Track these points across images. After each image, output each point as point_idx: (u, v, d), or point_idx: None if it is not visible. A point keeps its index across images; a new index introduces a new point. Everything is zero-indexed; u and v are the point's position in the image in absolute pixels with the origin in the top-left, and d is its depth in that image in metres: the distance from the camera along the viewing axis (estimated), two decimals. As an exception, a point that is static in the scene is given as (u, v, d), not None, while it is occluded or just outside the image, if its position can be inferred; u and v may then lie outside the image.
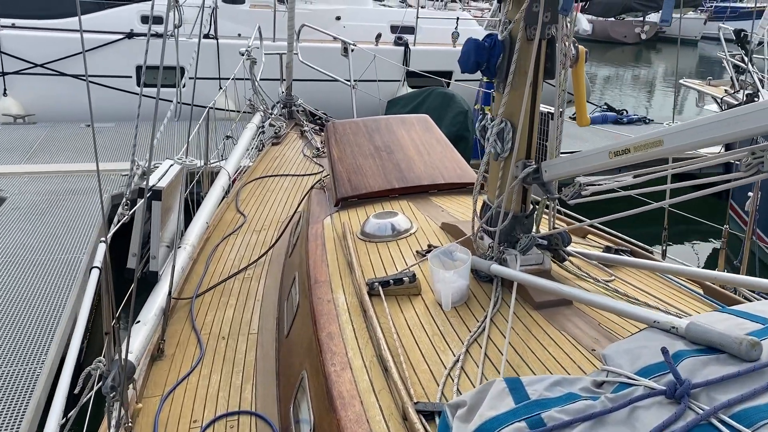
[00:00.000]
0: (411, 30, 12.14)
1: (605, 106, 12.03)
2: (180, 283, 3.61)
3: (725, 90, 8.22)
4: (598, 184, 2.25)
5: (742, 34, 7.50)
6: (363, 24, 12.12)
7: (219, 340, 3.35)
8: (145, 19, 11.11)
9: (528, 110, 2.51)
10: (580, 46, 2.59)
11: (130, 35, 10.99)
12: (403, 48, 11.77)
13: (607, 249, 2.93)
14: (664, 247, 4.00)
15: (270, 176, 5.70)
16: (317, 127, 7.08)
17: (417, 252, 3.01)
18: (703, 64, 33.25)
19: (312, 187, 4.27)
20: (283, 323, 3.28)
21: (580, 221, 3.05)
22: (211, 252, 4.29)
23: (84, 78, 10.75)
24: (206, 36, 11.19)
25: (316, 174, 5.72)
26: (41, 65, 10.68)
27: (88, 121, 10.49)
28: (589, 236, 3.30)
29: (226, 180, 4.71)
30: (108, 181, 7.72)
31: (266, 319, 3.49)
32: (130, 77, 11.06)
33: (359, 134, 4.17)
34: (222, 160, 6.02)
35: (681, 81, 10.15)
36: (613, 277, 2.71)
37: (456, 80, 12.19)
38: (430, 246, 3.04)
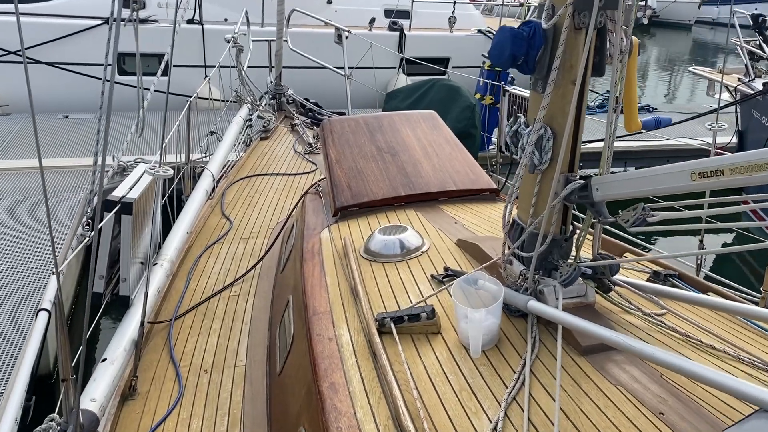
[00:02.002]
0: (406, 14, 11.62)
1: (607, 94, 11.58)
2: (156, 305, 3.15)
3: (738, 78, 7.81)
4: (670, 209, 1.82)
5: (760, 19, 7.09)
6: (355, 8, 11.58)
7: (201, 373, 2.90)
8: (126, 3, 10.52)
9: (574, 114, 2.07)
10: (633, 36, 2.15)
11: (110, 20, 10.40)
12: (398, 33, 11.26)
13: (656, 275, 2.50)
14: (699, 261, 3.60)
15: (258, 175, 5.22)
16: (309, 120, 6.60)
17: (432, 276, 2.57)
18: (698, 48, 32.90)
19: (306, 192, 3.81)
20: (275, 356, 2.84)
21: (632, 246, 2.62)
22: (193, 264, 3.83)
23: (61, 66, 10.20)
24: (191, 21, 10.63)
25: (308, 173, 5.25)
26: (14, 52, 10.08)
27: (66, 112, 9.94)
28: (626, 254, 2.87)
29: (210, 182, 4.24)
30: (86, 178, 7.21)
31: (255, 349, 3.04)
32: (111, 65, 10.47)
33: (359, 133, 3.71)
34: (205, 155, 5.53)
35: (690, 69, 9.73)
36: (664, 310, 2.29)
37: (453, 67, 11.72)
38: (446, 270, 2.60)
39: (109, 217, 2.55)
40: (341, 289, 2.59)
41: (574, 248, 2.29)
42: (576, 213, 2.32)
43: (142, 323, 2.67)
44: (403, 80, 11.16)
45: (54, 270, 1.95)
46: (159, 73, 3.24)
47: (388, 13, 11.64)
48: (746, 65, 7.61)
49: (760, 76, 7.63)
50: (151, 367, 2.92)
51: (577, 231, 2.24)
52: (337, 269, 2.77)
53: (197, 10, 10.59)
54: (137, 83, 2.77)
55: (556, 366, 1.92)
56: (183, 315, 3.30)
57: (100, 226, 2.50)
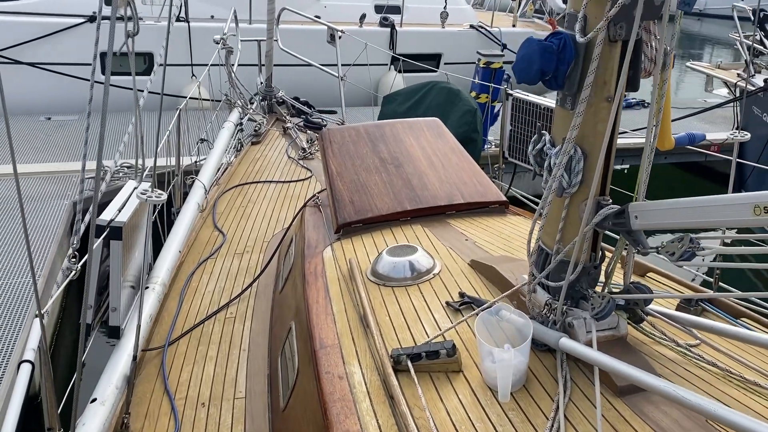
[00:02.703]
0: (397, 9, 11.38)
1: None
2: (148, 331, 2.95)
3: (738, 74, 7.68)
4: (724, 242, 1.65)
5: (761, 14, 6.96)
6: (345, 3, 11.32)
7: (198, 407, 2.71)
8: (108, 0, 10.22)
9: (609, 133, 1.89)
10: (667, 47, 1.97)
11: (93, 18, 10.09)
12: (389, 30, 11.03)
13: (687, 302, 2.33)
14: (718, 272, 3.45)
15: (251, 183, 5.01)
16: (301, 123, 6.38)
17: (447, 304, 2.39)
18: (685, 40, 32.89)
19: (305, 205, 3.61)
20: (276, 388, 2.65)
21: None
22: (185, 282, 3.63)
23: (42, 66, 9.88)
24: (177, 18, 10.33)
25: (303, 180, 5.05)
26: (-7, 52, 9.76)
27: (48, 114, 9.64)
28: (650, 274, 2.71)
29: (202, 194, 4.02)
30: (71, 184, 6.95)
31: (255, 378, 2.85)
32: (89, 64, 10.15)
33: (360, 143, 3.52)
34: (196, 163, 5.29)
35: (687, 64, 9.59)
36: (698, 341, 2.12)
37: (446, 63, 11.51)
38: (462, 296, 2.42)
39: (97, 243, 2.34)
40: (349, 317, 2.40)
41: (602, 275, 2.13)
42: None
43: (135, 357, 2.47)
44: (395, 77, 10.95)
45: (36, 312, 1.75)
46: (152, 76, 3.02)
47: (378, 9, 11.41)
48: (746, 61, 7.48)
49: (759, 72, 7.51)
50: (144, 400, 2.72)
51: (606, 257, 2.07)
52: (343, 294, 2.58)
53: (182, 8, 10.30)
54: (132, 85, 2.56)
55: (594, 412, 1.75)
56: (176, 340, 3.10)
57: (85, 260, 2.30)
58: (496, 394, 1.88)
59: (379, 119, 6.29)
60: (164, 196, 2.18)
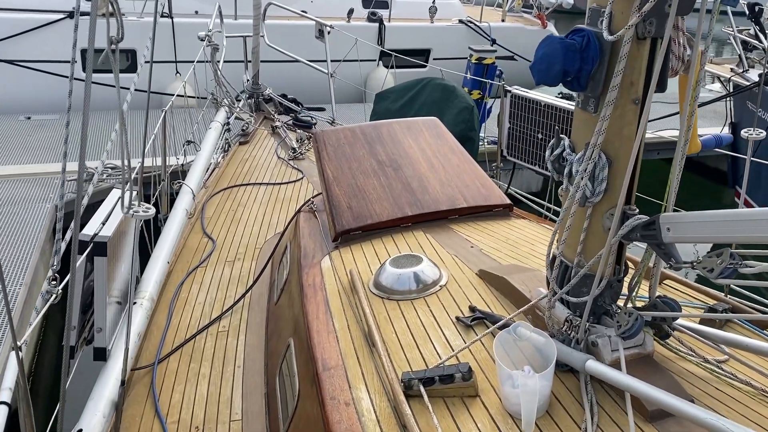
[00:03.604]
0: (385, 4, 11.20)
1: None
2: (137, 350, 2.77)
3: (731, 69, 7.60)
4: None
5: (756, 8, 6.87)
6: (333, -2, 11.12)
7: (191, 431, 2.54)
8: None
9: (636, 138, 1.75)
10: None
11: (72, 15, 9.81)
12: (377, 24, 10.85)
13: (712, 311, 2.20)
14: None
15: (240, 185, 4.83)
16: (290, 121, 6.20)
17: (457, 319, 2.24)
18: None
19: (299, 210, 3.44)
20: (275, 410, 2.49)
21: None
22: (174, 294, 3.45)
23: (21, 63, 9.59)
24: (161, 15, 10.09)
25: (294, 182, 4.87)
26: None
27: (28, 113, 9.36)
28: (666, 282, 2.58)
29: (190, 200, 3.84)
30: (52, 186, 6.72)
31: (251, 398, 2.68)
32: (76, 62, 9.87)
33: (357, 145, 3.35)
34: (183, 166, 5.10)
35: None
36: (726, 357, 1.99)
37: (434, 59, 11.35)
38: (473, 310, 2.27)
39: (80, 261, 2.17)
40: (353, 335, 2.25)
41: (625, 288, 2.00)
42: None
43: (123, 382, 2.29)
44: (383, 73, 10.79)
45: (12, 345, 1.57)
46: (136, 75, 2.84)
47: (366, 4, 11.22)
48: (740, 55, 7.39)
49: (753, 66, 7.43)
50: (134, 424, 2.55)
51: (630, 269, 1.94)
52: (345, 308, 2.42)
53: (166, 3, 10.05)
54: (115, 83, 2.37)
55: None
56: (167, 357, 2.92)
57: (67, 280, 2.12)
58: (518, 422, 1.74)
59: (371, 117, 6.12)
60: (152, 211, 2.02)
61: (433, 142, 3.48)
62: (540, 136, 5.18)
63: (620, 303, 2.02)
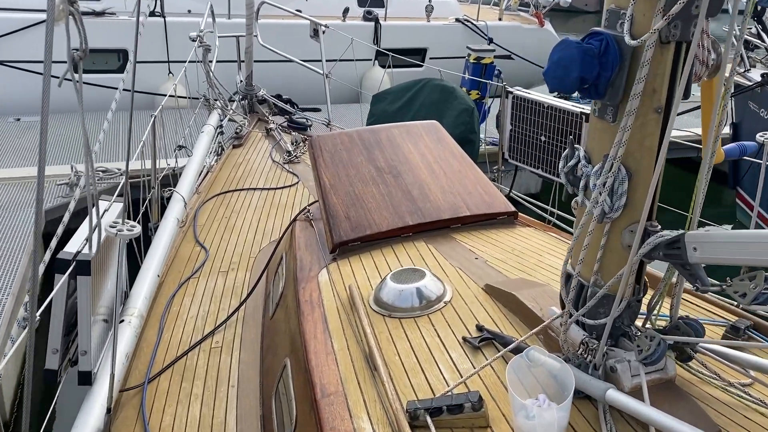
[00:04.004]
0: (380, 3, 11.05)
1: None
2: (125, 371, 2.64)
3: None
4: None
5: (759, 7, 6.77)
6: (328, -4, 10.96)
7: None
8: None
9: (660, 151, 1.62)
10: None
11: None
12: (373, 24, 10.70)
13: (734, 330, 2.08)
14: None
15: (234, 191, 4.69)
16: (285, 123, 6.06)
17: (464, 340, 2.11)
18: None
19: (295, 219, 3.31)
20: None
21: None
22: (165, 306, 3.31)
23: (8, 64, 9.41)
24: (152, 13, 9.92)
25: (290, 186, 4.74)
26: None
27: (18, 114, 9.18)
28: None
29: (181, 208, 3.69)
30: (44, 190, 6.54)
31: (247, 420, 2.55)
32: (65, 62, 9.69)
33: (354, 151, 3.22)
34: (174, 170, 4.94)
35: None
36: (751, 381, 1.87)
37: (431, 58, 11.22)
38: (480, 329, 2.15)
39: (62, 282, 2.03)
40: (353, 357, 2.11)
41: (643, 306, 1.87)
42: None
43: (109, 409, 2.15)
44: (379, 72, 10.64)
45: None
46: (125, 74, 2.71)
47: (361, 2, 11.06)
48: (741, 54, 7.28)
49: (755, 66, 7.32)
50: None
51: (657, 294, 1.81)
52: (344, 327, 2.29)
53: (158, 2, 9.88)
54: (78, 102, 2.22)
55: None
56: (157, 376, 2.79)
57: (47, 304, 1.99)
58: None
59: (368, 119, 5.97)
60: (137, 230, 1.88)
61: (433, 146, 3.35)
62: (543, 138, 5.05)
63: (638, 322, 1.90)
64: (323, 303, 2.47)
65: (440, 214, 2.98)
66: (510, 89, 5.39)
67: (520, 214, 3.19)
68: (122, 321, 2.57)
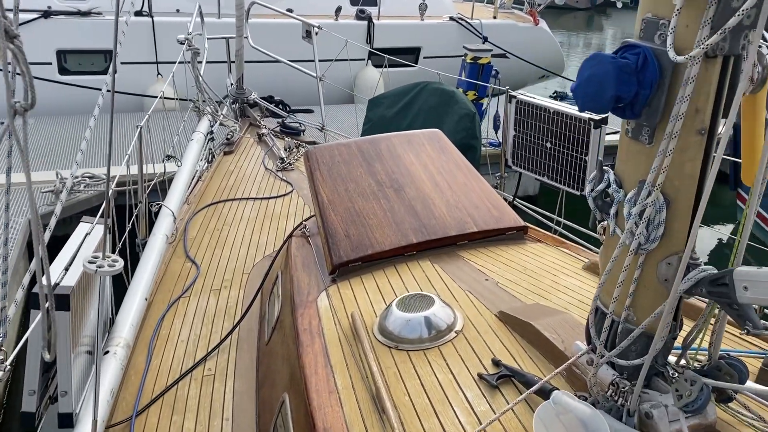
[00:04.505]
0: (373, 1, 10.84)
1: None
2: (111, 405, 2.44)
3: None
4: None
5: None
6: (320, -5, 10.74)
7: None
8: None
9: (708, 177, 1.45)
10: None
11: (47, 14, 9.38)
12: (366, 23, 10.50)
13: None
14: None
15: (226, 201, 4.49)
16: (278, 127, 5.86)
17: (479, 376, 1.94)
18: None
19: (291, 235, 3.12)
20: None
21: None
22: (155, 329, 3.12)
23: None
24: (139, 13, 9.68)
25: (284, 196, 4.55)
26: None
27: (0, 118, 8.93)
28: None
29: (170, 223, 3.50)
30: (25, 200, 6.32)
31: None
32: (50, 64, 9.47)
33: (353, 163, 3.04)
34: (162, 176, 4.73)
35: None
36: None
37: (425, 57, 11.04)
38: (497, 364, 1.98)
39: (38, 319, 1.84)
40: (358, 396, 1.94)
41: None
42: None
43: None
44: (373, 72, 10.45)
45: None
46: (110, 67, 2.52)
47: (354, 1, 10.85)
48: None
49: (756, 64, 7.15)
50: None
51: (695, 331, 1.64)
52: (348, 360, 2.11)
53: (145, 1, 9.65)
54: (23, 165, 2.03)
55: None
56: (146, 408, 2.60)
57: (21, 346, 1.80)
58: None
59: (364, 125, 5.78)
60: (119, 265, 1.70)
61: (436, 156, 3.17)
62: (549, 145, 4.87)
63: (672, 358, 1.73)
64: (324, 332, 2.29)
65: (446, 231, 2.80)
66: (513, 93, 5.21)
67: (529, 227, 3.03)
68: (107, 352, 2.38)
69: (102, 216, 2.52)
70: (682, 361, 1.74)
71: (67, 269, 2.05)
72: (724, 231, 7.68)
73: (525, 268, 2.63)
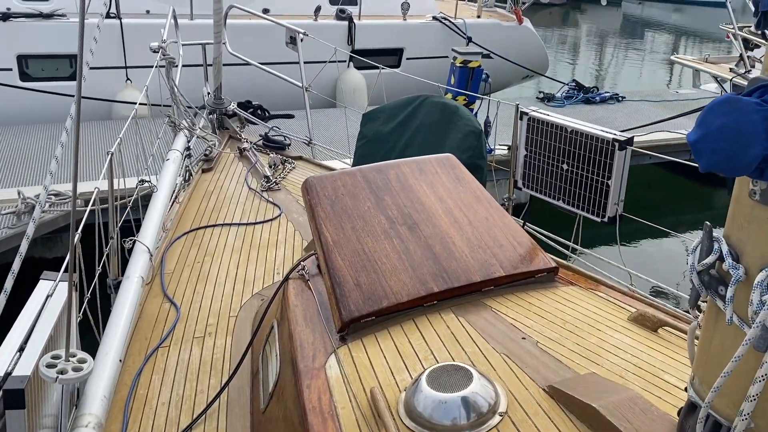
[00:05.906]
0: (354, 1, 10.43)
1: (573, 83, 10.76)
2: None
3: (730, 69, 7.12)
4: None
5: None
6: (299, -6, 10.27)
7: None
8: None
9: None
10: None
11: (6, 16, 8.79)
12: (346, 23, 10.08)
13: None
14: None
15: (206, 227, 4.07)
16: (261, 140, 5.43)
17: None
18: (628, 25, 32.89)
19: (287, 277, 2.72)
20: None
21: None
22: (130, 390, 2.70)
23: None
24: (106, 15, 9.12)
25: (271, 221, 4.14)
26: None
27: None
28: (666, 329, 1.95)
29: (146, 264, 3.07)
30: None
31: None
32: (11, 69, 8.88)
33: (360, 196, 2.65)
34: (133, 196, 4.26)
35: (672, 57, 9.01)
36: None
37: (408, 58, 10.67)
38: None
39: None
40: None
41: None
42: None
43: None
44: (355, 74, 10.05)
45: None
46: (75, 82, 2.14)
47: (334, 0, 10.42)
48: (741, 54, 6.90)
49: (754, 66, 6.95)
50: None
51: None
52: None
53: (113, 2, 9.10)
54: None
55: None
56: None
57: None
58: None
59: (358, 141, 5.37)
60: (87, 367, 1.29)
61: (452, 187, 2.80)
62: (565, 167, 4.51)
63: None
64: (337, 413, 1.90)
65: (470, 277, 2.43)
66: (524, 110, 4.83)
67: (559, 266, 2.67)
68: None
69: (66, 271, 2.10)
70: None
71: (22, 350, 1.63)
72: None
73: (564, 321, 2.27)
